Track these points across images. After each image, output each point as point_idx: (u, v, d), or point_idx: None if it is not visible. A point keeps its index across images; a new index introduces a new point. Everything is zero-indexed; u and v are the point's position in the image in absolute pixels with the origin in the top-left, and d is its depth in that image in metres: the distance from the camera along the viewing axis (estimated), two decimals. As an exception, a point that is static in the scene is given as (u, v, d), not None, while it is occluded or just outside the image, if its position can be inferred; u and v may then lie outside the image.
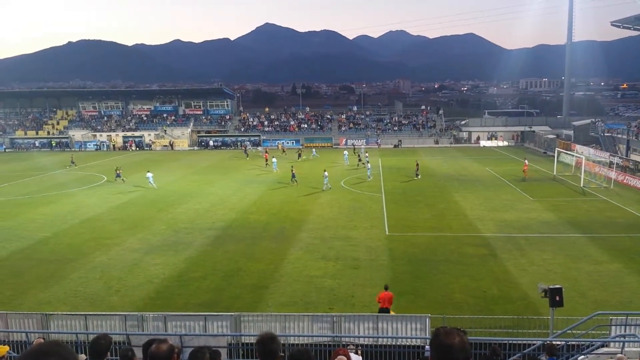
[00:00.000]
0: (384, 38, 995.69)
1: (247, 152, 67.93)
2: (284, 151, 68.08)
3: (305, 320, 15.90)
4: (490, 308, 18.40)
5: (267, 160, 54.32)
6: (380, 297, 17.61)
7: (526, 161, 48.27)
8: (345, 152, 60.32)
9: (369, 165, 48.40)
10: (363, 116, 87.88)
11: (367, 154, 58.18)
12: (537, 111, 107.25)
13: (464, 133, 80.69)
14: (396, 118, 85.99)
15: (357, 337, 14.96)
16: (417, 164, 47.96)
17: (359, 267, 23.41)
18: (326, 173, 42.60)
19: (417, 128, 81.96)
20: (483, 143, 76.45)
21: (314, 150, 67.36)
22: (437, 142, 77.61)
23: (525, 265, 23.27)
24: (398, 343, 14.34)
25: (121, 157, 68.78)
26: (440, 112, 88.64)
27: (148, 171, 44.61)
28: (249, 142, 77.29)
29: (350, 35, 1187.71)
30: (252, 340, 14.31)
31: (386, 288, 17.83)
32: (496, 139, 77.35)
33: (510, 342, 13.94)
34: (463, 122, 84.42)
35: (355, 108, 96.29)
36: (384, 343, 14.32)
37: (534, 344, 13.35)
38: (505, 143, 76.23)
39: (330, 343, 14.20)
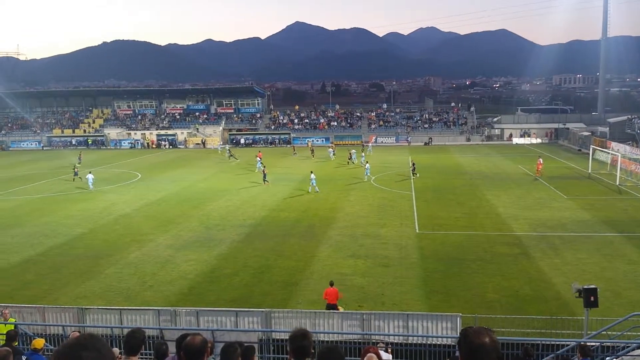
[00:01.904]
0: (414, 35, 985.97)
1: (231, 154, 62.88)
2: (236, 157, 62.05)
3: (335, 317, 15.98)
4: (523, 308, 18.16)
5: (260, 159, 54.38)
6: (326, 293, 17.79)
7: (540, 160, 46.94)
8: (353, 150, 58.70)
9: (367, 165, 46.87)
10: (393, 114, 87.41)
11: (363, 154, 57.40)
12: (571, 108, 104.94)
13: (496, 130, 79.49)
14: (426, 115, 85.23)
15: (387, 335, 14.97)
16: (413, 163, 47.21)
17: (388, 265, 23.35)
18: (313, 175, 40.79)
19: (447, 125, 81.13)
20: (516, 140, 75.13)
21: (330, 150, 62.64)
22: (468, 140, 76.70)
23: (559, 264, 22.88)
24: (428, 342, 14.30)
25: (154, 155, 69.89)
26: (472, 109, 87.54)
27: (90, 172, 44.14)
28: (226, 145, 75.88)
29: (380, 32, 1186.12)
30: (283, 336, 14.44)
31: (331, 284, 18.07)
32: (529, 136, 75.92)
33: (543, 342, 13.77)
34: (495, 119, 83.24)
35: (385, 106, 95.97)
36: (415, 342, 14.29)
37: (567, 345, 13.14)
38: (539, 140, 74.67)
39: (360, 341, 14.24)
